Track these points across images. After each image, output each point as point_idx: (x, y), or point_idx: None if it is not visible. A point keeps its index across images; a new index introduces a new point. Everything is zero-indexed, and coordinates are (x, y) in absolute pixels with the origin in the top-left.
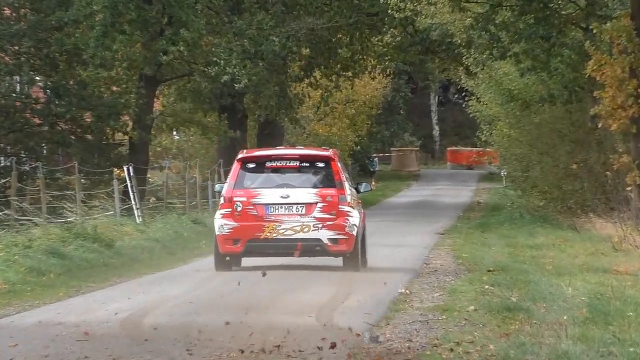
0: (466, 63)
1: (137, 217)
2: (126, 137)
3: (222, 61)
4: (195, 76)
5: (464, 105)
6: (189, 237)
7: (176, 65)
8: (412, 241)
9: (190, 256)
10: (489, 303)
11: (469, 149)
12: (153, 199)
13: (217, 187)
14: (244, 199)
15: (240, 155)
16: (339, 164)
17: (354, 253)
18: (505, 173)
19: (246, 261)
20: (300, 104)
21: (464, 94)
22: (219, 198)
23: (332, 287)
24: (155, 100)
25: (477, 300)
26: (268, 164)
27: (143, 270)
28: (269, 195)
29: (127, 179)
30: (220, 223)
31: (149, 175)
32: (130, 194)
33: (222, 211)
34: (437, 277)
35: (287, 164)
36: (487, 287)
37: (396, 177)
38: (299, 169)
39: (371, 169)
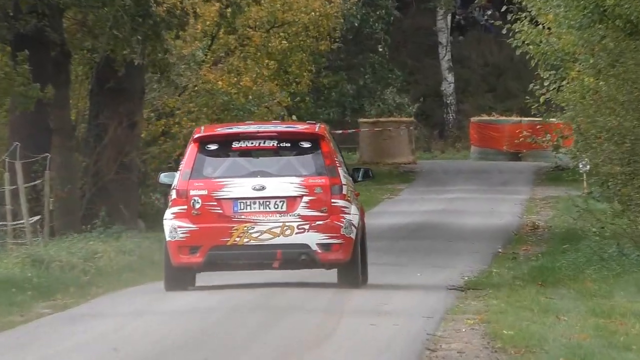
0: None
1: None
2: None
3: None
4: None
5: (503, 32)
6: None
7: None
8: (402, 303)
9: None
10: None
11: (514, 119)
12: None
13: (162, 177)
14: (203, 192)
15: (196, 135)
16: (331, 144)
17: (351, 263)
18: (588, 167)
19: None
20: (179, 29)
21: (503, 9)
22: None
23: None
24: None
25: None
26: (235, 145)
27: None
28: (237, 186)
29: None
30: (172, 225)
31: None
32: None
33: (175, 209)
34: None
35: (261, 145)
36: None
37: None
38: (277, 151)
39: None
